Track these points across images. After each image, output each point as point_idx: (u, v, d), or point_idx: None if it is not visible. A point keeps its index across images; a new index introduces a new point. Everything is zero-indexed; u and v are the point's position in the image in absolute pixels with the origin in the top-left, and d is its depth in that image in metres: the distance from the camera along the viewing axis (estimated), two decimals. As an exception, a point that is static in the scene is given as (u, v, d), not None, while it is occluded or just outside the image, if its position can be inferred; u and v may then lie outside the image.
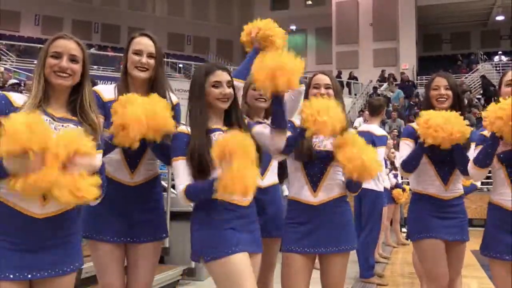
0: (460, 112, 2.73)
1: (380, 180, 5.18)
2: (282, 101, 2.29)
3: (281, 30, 2.89)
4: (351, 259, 2.59)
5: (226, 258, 2.14)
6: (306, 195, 2.53)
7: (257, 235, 2.32)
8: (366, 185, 5.08)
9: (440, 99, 2.84)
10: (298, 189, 2.56)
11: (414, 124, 2.92)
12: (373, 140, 4.98)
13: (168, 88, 2.47)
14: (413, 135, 2.87)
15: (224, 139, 2.08)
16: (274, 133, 2.35)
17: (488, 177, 2.90)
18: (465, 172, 2.72)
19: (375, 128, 5.10)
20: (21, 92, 2.48)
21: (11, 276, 1.76)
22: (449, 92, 2.84)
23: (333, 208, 2.53)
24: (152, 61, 2.40)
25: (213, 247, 2.17)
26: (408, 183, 8.61)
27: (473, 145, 2.73)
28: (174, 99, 2.51)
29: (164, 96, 2.37)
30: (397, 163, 2.95)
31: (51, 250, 1.84)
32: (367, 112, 17.44)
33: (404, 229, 9.99)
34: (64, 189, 1.66)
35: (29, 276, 1.80)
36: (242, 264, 2.15)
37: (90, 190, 1.72)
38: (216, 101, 2.27)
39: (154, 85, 2.42)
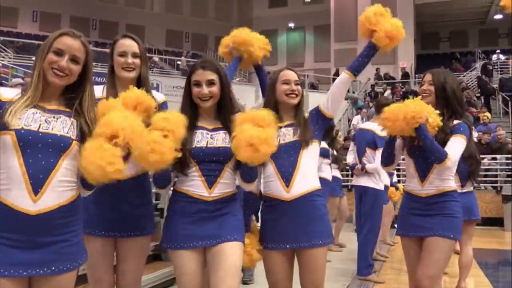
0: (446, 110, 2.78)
1: (381, 178, 5.16)
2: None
3: (262, 38, 2.91)
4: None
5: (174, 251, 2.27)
6: (279, 191, 2.48)
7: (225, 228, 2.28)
8: (367, 183, 5.08)
9: (423, 94, 2.89)
10: (271, 185, 2.52)
11: None
12: (374, 140, 4.96)
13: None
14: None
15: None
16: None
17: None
18: (437, 161, 2.68)
19: (378, 128, 5.04)
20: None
21: (6, 273, 1.75)
22: (431, 88, 2.85)
23: (307, 203, 2.47)
24: (137, 61, 2.47)
25: (166, 239, 2.31)
26: (400, 181, 8.71)
27: (458, 136, 2.73)
28: (161, 97, 2.57)
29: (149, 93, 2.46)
30: None
31: (48, 247, 1.82)
32: (364, 110, 17.40)
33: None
34: None
35: (25, 273, 1.78)
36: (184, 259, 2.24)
37: None
38: (198, 99, 2.32)
39: (141, 84, 2.47)
